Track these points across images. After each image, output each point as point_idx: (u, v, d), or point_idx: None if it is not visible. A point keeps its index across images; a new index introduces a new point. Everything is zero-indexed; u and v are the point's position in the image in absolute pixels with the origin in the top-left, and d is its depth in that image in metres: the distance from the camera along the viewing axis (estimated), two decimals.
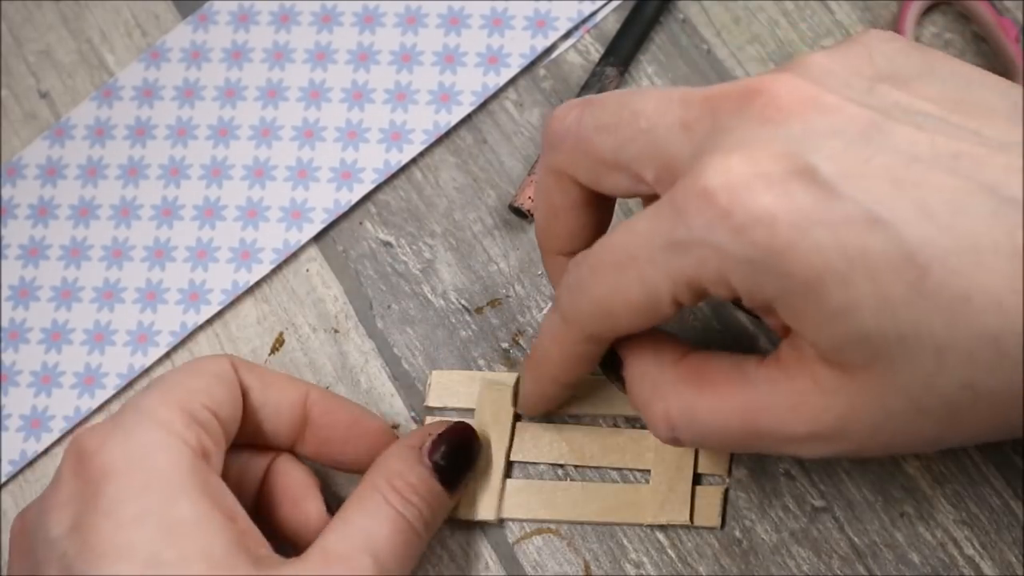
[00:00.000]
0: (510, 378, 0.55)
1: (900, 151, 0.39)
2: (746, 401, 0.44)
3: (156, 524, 0.44)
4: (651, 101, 0.44)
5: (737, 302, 0.42)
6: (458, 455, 0.51)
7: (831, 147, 0.39)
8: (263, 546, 0.47)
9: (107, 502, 0.45)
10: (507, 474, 0.54)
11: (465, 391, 0.56)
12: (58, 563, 0.45)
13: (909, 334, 0.38)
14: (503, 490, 0.53)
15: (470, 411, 0.55)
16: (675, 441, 0.46)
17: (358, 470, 0.53)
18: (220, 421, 0.49)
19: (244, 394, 0.51)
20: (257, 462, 0.53)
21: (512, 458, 0.54)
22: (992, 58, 0.56)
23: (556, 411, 0.54)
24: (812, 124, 0.40)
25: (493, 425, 0.54)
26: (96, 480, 0.45)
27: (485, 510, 0.53)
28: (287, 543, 0.51)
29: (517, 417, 0.55)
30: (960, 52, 0.57)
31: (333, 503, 0.52)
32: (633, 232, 0.42)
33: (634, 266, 0.42)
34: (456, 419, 0.53)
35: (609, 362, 0.48)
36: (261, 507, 0.53)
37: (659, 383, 0.46)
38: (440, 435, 0.51)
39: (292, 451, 0.53)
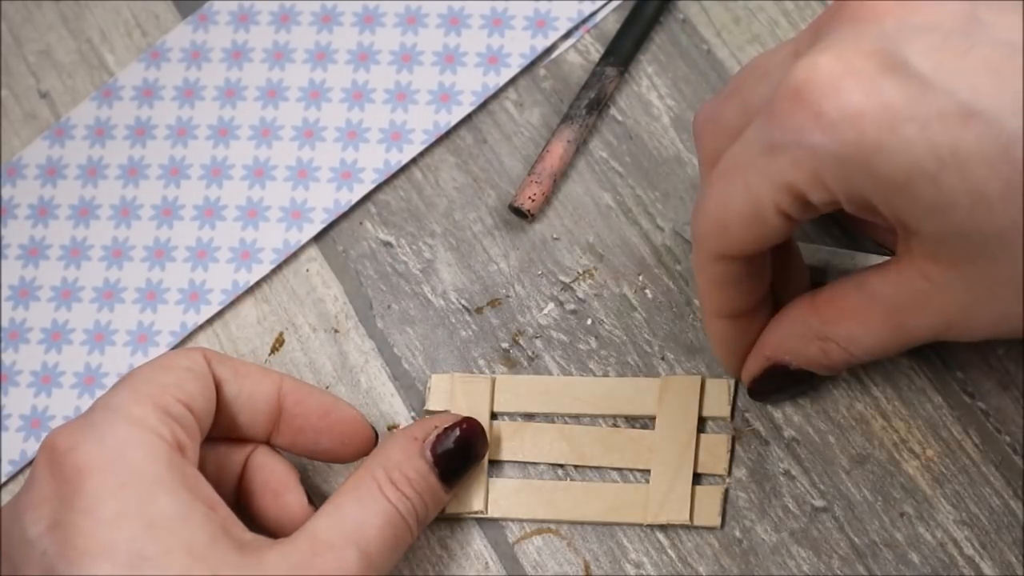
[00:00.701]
0: (485, 377, 0.56)
1: (1001, 42, 0.38)
2: (883, 312, 0.44)
3: (136, 520, 0.44)
4: (765, 53, 0.44)
5: (845, 217, 0.41)
6: (462, 451, 0.51)
7: (926, 41, 0.38)
8: (247, 532, 0.47)
9: (85, 500, 0.45)
10: (488, 468, 0.54)
11: None
12: (38, 563, 0.45)
13: (1008, 229, 0.38)
14: (487, 484, 0.54)
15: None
16: (842, 364, 0.48)
17: (334, 460, 0.53)
18: (194, 414, 0.48)
19: (218, 386, 0.50)
20: (235, 455, 0.52)
21: (513, 458, 0.54)
22: None
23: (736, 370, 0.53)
24: (906, 20, 0.39)
25: None
26: (72, 479, 0.45)
27: (474, 503, 0.53)
28: (270, 536, 0.50)
29: (494, 415, 0.55)
30: None
31: (313, 496, 0.53)
32: (740, 142, 0.42)
33: (738, 174, 0.42)
34: (466, 415, 0.53)
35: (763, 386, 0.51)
36: (241, 500, 0.52)
37: (805, 331, 0.47)
38: (446, 429, 0.51)
39: (268, 443, 0.53)
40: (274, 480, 0.52)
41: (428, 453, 0.50)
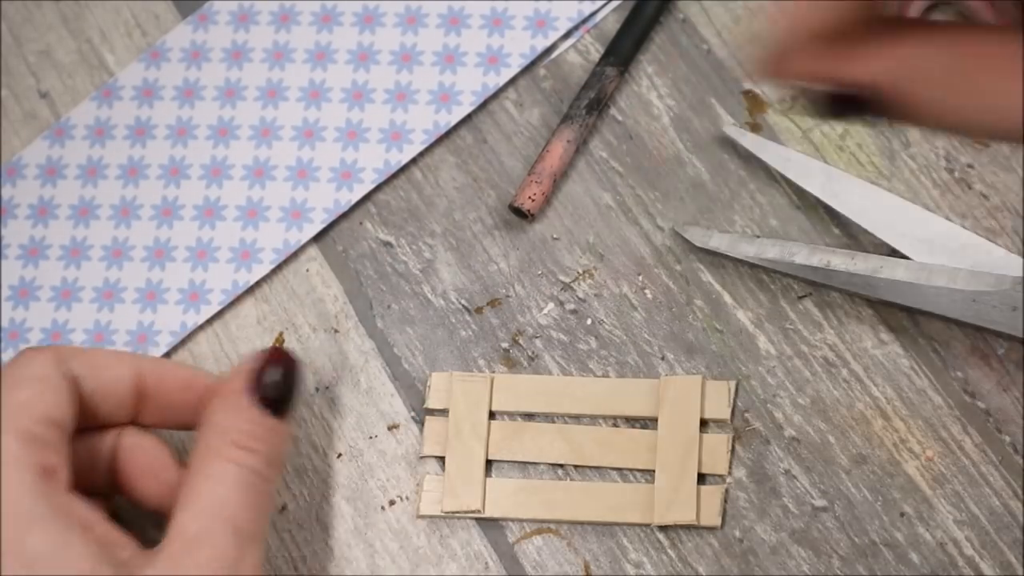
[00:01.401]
0: (485, 376, 0.56)
1: None
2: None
3: (14, 562, 0.44)
4: None
5: None
6: (283, 380, 0.50)
7: None
8: (126, 547, 0.46)
9: None
10: (488, 467, 0.54)
11: None
12: None
13: None
14: (486, 484, 0.54)
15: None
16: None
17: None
18: (57, 427, 0.47)
19: (75, 384, 0.49)
20: (103, 442, 0.52)
21: (513, 458, 0.54)
22: None
23: None
24: None
25: (468, 418, 0.54)
26: None
27: (473, 502, 0.53)
28: (158, 515, 0.50)
29: (492, 415, 0.55)
30: None
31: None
32: None
33: None
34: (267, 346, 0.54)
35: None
36: (120, 485, 0.52)
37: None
38: (258, 367, 0.50)
39: (135, 423, 0.52)
40: (148, 461, 0.52)
41: (253, 398, 0.49)
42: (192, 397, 0.52)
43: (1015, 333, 0.52)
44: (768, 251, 0.55)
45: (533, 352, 0.56)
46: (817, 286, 0.55)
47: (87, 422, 0.50)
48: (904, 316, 0.54)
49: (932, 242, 0.53)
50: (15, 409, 0.47)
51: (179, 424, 0.53)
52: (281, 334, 0.58)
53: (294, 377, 0.51)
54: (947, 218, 0.55)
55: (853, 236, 0.55)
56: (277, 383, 0.50)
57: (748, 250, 0.55)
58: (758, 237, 0.55)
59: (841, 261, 0.53)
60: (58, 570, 0.44)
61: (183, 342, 0.59)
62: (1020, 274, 0.51)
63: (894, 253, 0.54)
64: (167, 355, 0.59)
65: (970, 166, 0.56)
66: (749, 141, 0.57)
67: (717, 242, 0.56)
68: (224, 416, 0.49)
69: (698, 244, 0.56)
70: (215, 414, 0.49)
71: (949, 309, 0.52)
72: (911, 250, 0.53)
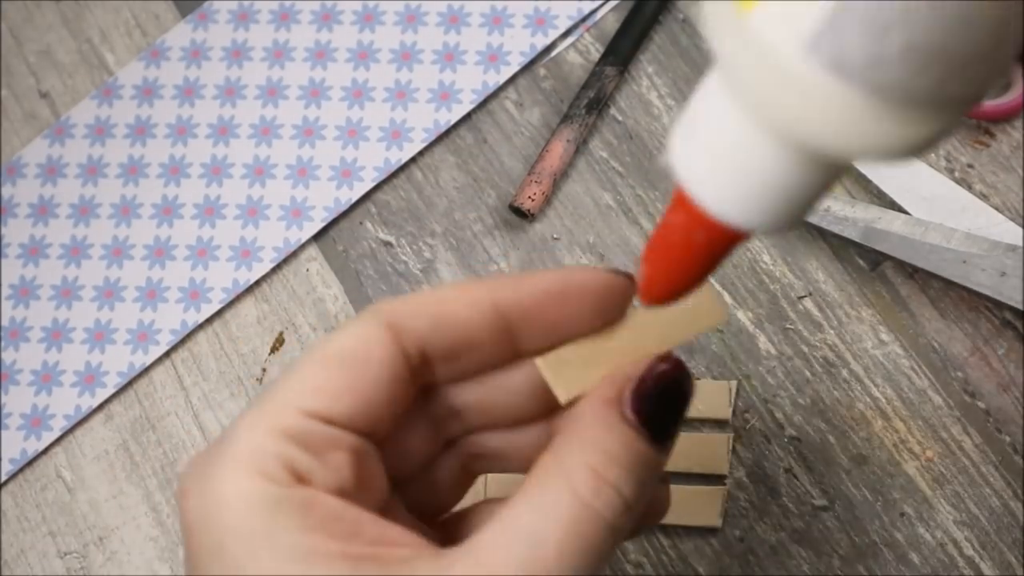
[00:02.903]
0: None
1: None
2: None
3: None
4: None
5: None
6: (671, 396, 0.39)
7: None
8: (398, 548, 0.38)
9: (193, 561, 0.38)
10: None
11: None
12: None
13: None
14: (487, 479, 0.54)
15: None
16: None
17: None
18: (334, 421, 0.39)
19: (404, 354, 0.40)
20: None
21: None
22: None
23: None
24: None
25: None
26: (184, 534, 0.39)
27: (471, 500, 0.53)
28: None
29: None
30: None
31: None
32: None
33: None
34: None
35: None
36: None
37: None
38: (644, 376, 0.39)
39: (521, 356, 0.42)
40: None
41: (629, 412, 0.38)
42: (573, 305, 0.40)
43: (999, 298, 0.52)
44: None
45: None
46: (815, 230, 0.56)
47: (452, 376, 0.42)
48: (905, 316, 0.54)
49: (933, 200, 0.54)
50: (286, 396, 0.39)
51: (578, 334, 0.41)
52: (281, 333, 0.58)
53: (681, 394, 0.40)
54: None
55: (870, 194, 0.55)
56: (658, 401, 0.39)
57: None
58: None
59: (840, 207, 0.54)
60: None
61: (183, 341, 0.59)
62: (1014, 242, 0.52)
63: (896, 207, 0.55)
64: (167, 354, 0.59)
65: (970, 166, 0.55)
66: None
67: None
68: (584, 426, 0.38)
69: None
70: (578, 419, 0.39)
71: (939, 267, 0.53)
72: (911, 206, 0.54)
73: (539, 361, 0.40)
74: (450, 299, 0.40)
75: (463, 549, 0.37)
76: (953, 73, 0.29)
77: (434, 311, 0.40)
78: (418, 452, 0.42)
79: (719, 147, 0.33)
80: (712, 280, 0.54)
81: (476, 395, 0.42)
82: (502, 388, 0.42)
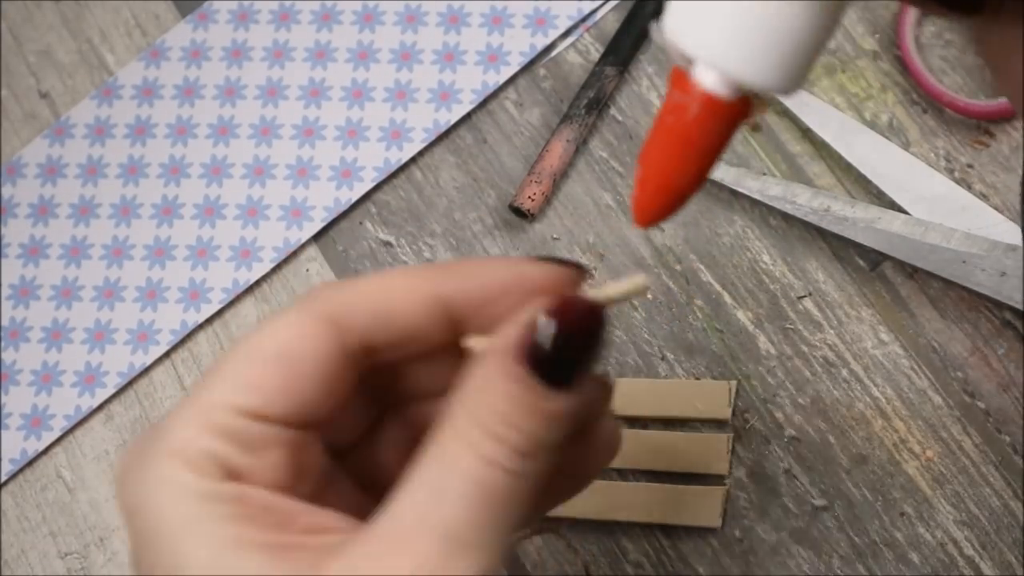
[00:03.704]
0: None
1: None
2: None
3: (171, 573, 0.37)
4: None
5: None
6: (568, 339, 0.37)
7: None
8: (338, 531, 0.37)
9: (133, 552, 0.39)
10: None
11: None
12: None
13: None
14: None
15: None
16: None
17: None
18: (269, 418, 0.38)
19: (343, 348, 0.39)
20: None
21: None
22: None
23: None
24: None
25: None
26: (125, 521, 0.39)
27: None
28: None
29: None
30: (961, 51, 0.57)
31: None
32: None
33: None
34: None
35: None
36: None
37: None
38: (529, 322, 0.37)
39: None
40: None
41: (522, 358, 0.36)
42: (521, 300, 0.39)
43: (999, 298, 0.52)
44: (772, 189, 0.55)
45: None
46: (814, 230, 0.56)
47: (393, 361, 0.41)
48: (905, 316, 0.54)
49: (933, 201, 0.54)
50: (220, 389, 0.38)
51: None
52: None
53: (587, 336, 0.37)
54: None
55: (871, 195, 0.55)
56: (557, 344, 0.36)
57: (752, 185, 0.55)
58: (764, 174, 0.56)
59: (841, 207, 0.54)
60: None
61: (183, 341, 0.59)
62: (1014, 242, 0.52)
63: (895, 207, 0.55)
64: (167, 354, 0.59)
65: (970, 166, 0.55)
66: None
67: (723, 174, 0.56)
68: (476, 382, 0.37)
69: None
70: (469, 379, 0.37)
71: (939, 267, 0.53)
72: (911, 206, 0.54)
73: (472, 342, 0.39)
74: (393, 289, 0.40)
75: (378, 520, 0.36)
76: None
77: (375, 306, 0.39)
78: (356, 424, 0.42)
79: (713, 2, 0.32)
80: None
81: (415, 367, 0.41)
82: (441, 358, 0.41)
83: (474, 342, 0.39)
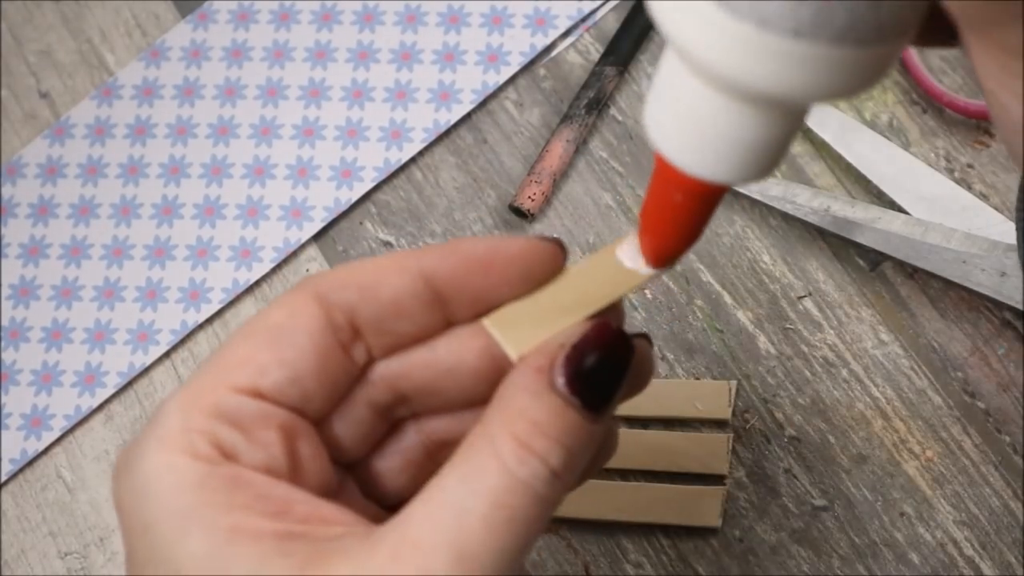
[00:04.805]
0: None
1: None
2: None
3: (164, 569, 0.36)
4: None
5: None
6: (606, 362, 0.38)
7: None
8: (331, 527, 0.37)
9: (127, 548, 0.38)
10: None
11: None
12: None
13: None
14: None
15: None
16: None
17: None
18: (263, 394, 0.38)
19: (331, 325, 0.39)
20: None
21: None
22: None
23: None
24: None
25: None
26: (118, 520, 0.38)
27: None
28: None
29: None
30: (960, 51, 0.57)
31: None
32: None
33: None
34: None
35: None
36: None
37: None
38: (577, 344, 0.38)
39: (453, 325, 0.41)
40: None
41: (560, 381, 0.37)
42: (500, 273, 0.40)
43: (999, 298, 0.52)
44: (772, 189, 0.55)
45: None
46: (814, 230, 0.56)
47: (386, 349, 0.41)
48: (905, 316, 0.54)
49: (933, 201, 0.54)
50: (217, 373, 0.38)
51: (507, 301, 0.40)
52: None
53: (617, 361, 0.38)
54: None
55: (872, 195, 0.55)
56: (590, 367, 0.37)
57: (752, 185, 0.55)
58: None
59: (840, 207, 0.54)
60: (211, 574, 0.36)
61: (183, 341, 0.59)
62: (1014, 242, 0.52)
63: (895, 207, 0.55)
64: (167, 354, 0.59)
65: (970, 166, 0.55)
66: None
67: None
68: (513, 395, 0.37)
69: None
70: (507, 387, 0.37)
71: (939, 267, 0.53)
72: (911, 206, 0.54)
73: (486, 321, 0.39)
74: (378, 268, 0.40)
75: (391, 524, 0.36)
76: (835, 5, 0.29)
77: (361, 280, 0.40)
78: (360, 435, 0.41)
79: (678, 105, 0.33)
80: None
81: (422, 377, 0.41)
82: (448, 368, 0.41)
83: (488, 322, 0.40)
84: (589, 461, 0.39)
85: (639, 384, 0.40)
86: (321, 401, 0.39)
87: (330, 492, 0.40)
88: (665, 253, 0.38)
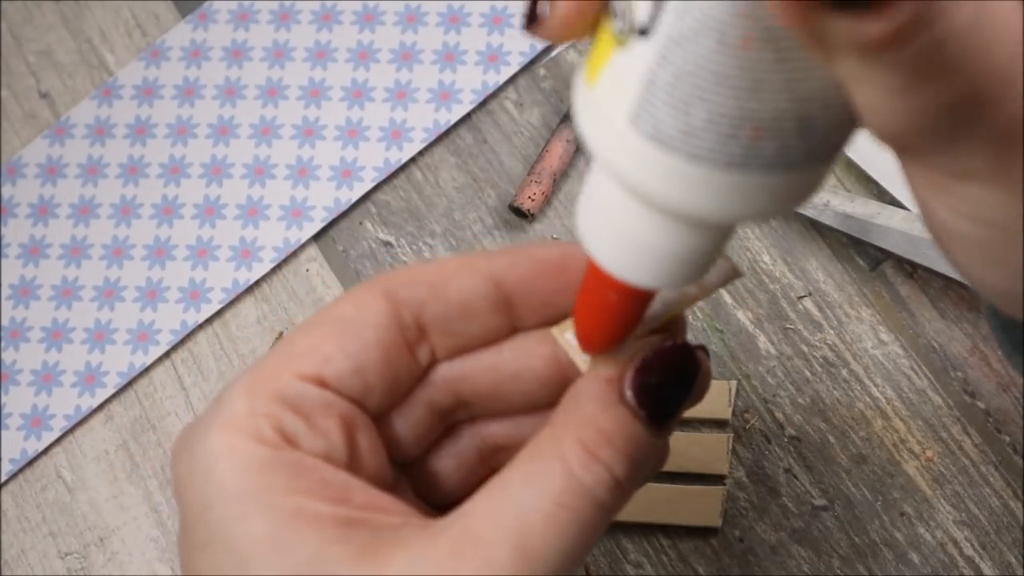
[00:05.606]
0: None
1: None
2: None
3: (222, 549, 0.37)
4: None
5: None
6: (674, 380, 0.38)
7: None
8: (392, 515, 0.37)
9: (183, 527, 0.38)
10: None
11: None
12: None
13: None
14: None
15: None
16: None
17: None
18: (326, 383, 0.39)
19: (400, 321, 0.40)
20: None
21: None
22: None
23: None
24: None
25: None
26: (176, 502, 0.39)
27: None
28: None
29: None
30: None
31: None
32: None
33: None
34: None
35: None
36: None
37: None
38: (647, 357, 0.38)
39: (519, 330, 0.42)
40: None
41: (629, 393, 0.37)
42: (571, 278, 0.40)
43: None
44: None
45: None
46: (814, 228, 0.56)
47: (451, 350, 0.41)
48: (905, 316, 0.54)
49: None
50: (282, 360, 0.39)
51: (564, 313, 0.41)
52: (281, 334, 0.58)
53: (685, 378, 0.39)
54: None
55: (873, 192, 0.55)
56: (658, 383, 0.38)
57: None
58: None
59: (839, 203, 0.54)
60: (267, 559, 0.36)
61: (183, 341, 0.59)
62: None
63: (895, 204, 0.55)
64: (167, 354, 0.59)
65: None
66: None
67: None
68: (582, 402, 0.38)
69: None
70: (577, 394, 0.38)
71: (938, 262, 0.53)
72: (911, 202, 0.54)
73: (554, 330, 0.40)
74: (448, 268, 0.41)
75: (452, 517, 0.36)
76: (764, 137, 0.30)
77: (431, 279, 0.40)
78: (416, 435, 0.42)
79: (609, 213, 0.34)
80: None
81: (485, 380, 0.42)
82: (513, 373, 0.42)
83: (556, 331, 0.40)
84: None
85: (699, 398, 0.40)
86: (382, 396, 0.40)
87: (385, 487, 0.40)
88: (600, 345, 0.39)
